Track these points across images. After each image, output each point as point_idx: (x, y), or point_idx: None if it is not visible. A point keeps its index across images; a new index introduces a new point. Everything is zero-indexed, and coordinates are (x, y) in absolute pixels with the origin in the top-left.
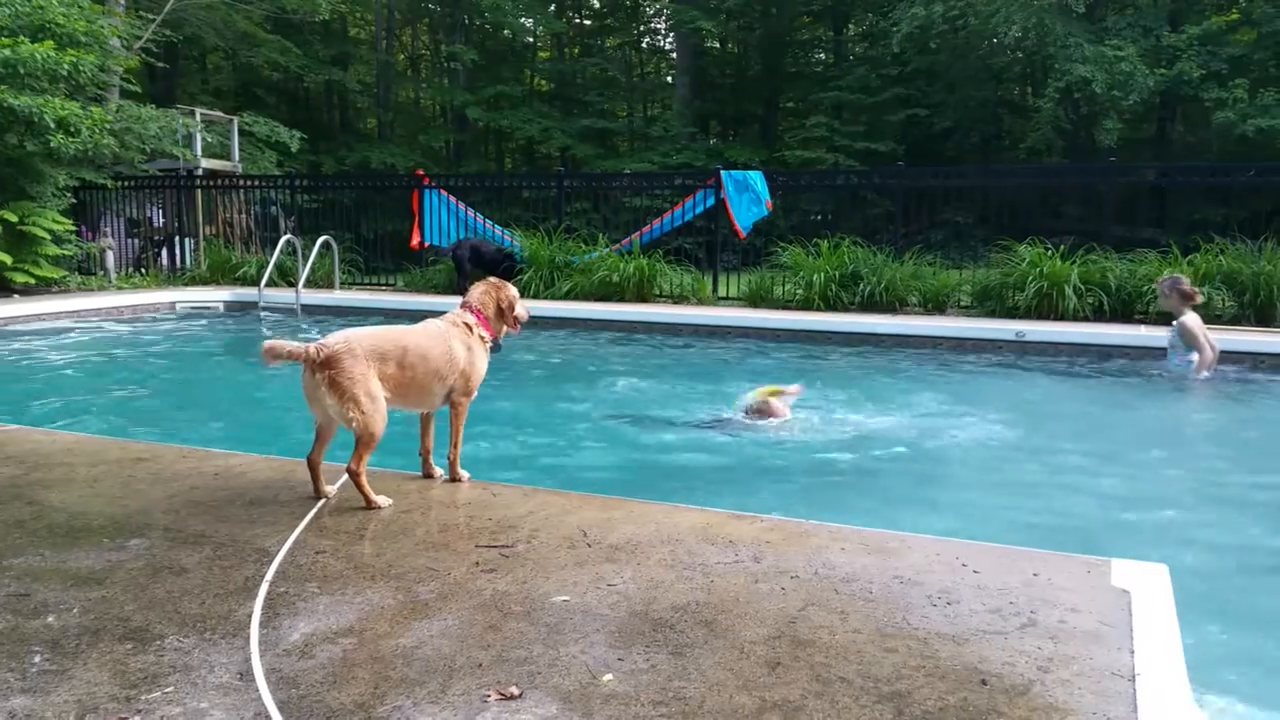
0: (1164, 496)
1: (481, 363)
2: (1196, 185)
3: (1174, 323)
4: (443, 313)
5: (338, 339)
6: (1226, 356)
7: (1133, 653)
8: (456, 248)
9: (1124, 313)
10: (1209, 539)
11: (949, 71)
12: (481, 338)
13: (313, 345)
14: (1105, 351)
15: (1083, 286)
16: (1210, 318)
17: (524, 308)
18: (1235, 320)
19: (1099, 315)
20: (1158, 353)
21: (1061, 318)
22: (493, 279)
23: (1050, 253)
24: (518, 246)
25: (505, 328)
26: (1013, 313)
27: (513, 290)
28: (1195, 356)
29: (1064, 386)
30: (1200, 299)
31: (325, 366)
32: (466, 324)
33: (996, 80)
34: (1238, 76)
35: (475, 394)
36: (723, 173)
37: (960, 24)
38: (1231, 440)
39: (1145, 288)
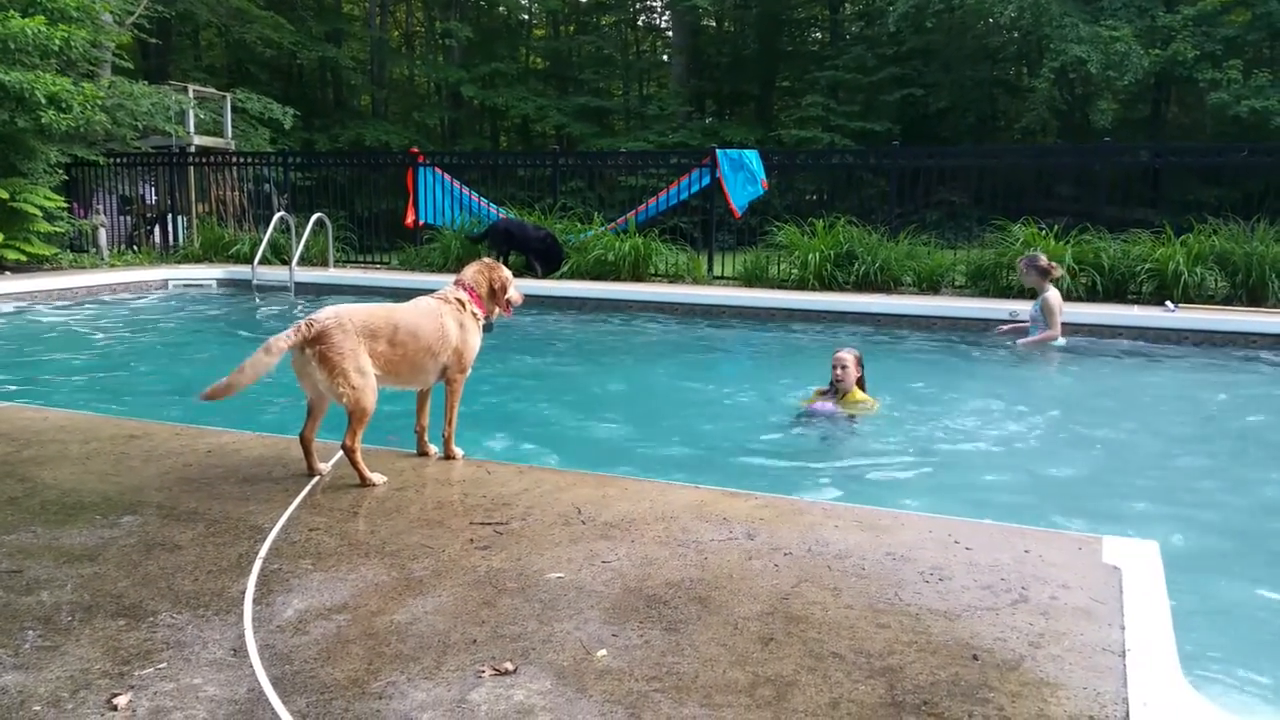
0: (1149, 473)
1: (475, 339)
2: (1190, 166)
3: (1037, 298)
4: (436, 290)
5: (328, 314)
6: (1224, 338)
7: (1123, 629)
8: (492, 229)
9: (1117, 292)
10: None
11: (945, 51)
12: (474, 314)
13: (302, 321)
14: (1097, 331)
15: (1076, 266)
16: (1203, 298)
17: (517, 291)
18: (1227, 300)
19: (1092, 295)
20: (1149, 333)
21: None
22: (487, 259)
23: (1044, 233)
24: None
25: (498, 309)
26: (1006, 292)
27: (506, 272)
28: (1041, 332)
29: (1053, 365)
30: (1059, 273)
31: (315, 342)
32: (459, 300)
33: (992, 60)
34: (1232, 57)
35: (470, 371)
36: (718, 152)
37: (956, 3)
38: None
39: (1139, 268)
